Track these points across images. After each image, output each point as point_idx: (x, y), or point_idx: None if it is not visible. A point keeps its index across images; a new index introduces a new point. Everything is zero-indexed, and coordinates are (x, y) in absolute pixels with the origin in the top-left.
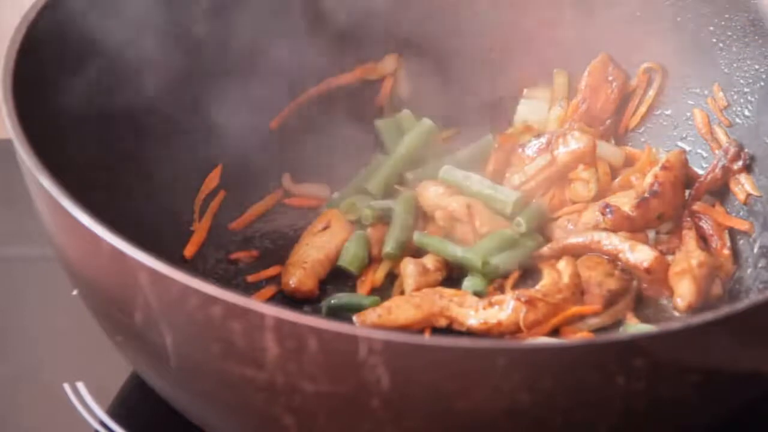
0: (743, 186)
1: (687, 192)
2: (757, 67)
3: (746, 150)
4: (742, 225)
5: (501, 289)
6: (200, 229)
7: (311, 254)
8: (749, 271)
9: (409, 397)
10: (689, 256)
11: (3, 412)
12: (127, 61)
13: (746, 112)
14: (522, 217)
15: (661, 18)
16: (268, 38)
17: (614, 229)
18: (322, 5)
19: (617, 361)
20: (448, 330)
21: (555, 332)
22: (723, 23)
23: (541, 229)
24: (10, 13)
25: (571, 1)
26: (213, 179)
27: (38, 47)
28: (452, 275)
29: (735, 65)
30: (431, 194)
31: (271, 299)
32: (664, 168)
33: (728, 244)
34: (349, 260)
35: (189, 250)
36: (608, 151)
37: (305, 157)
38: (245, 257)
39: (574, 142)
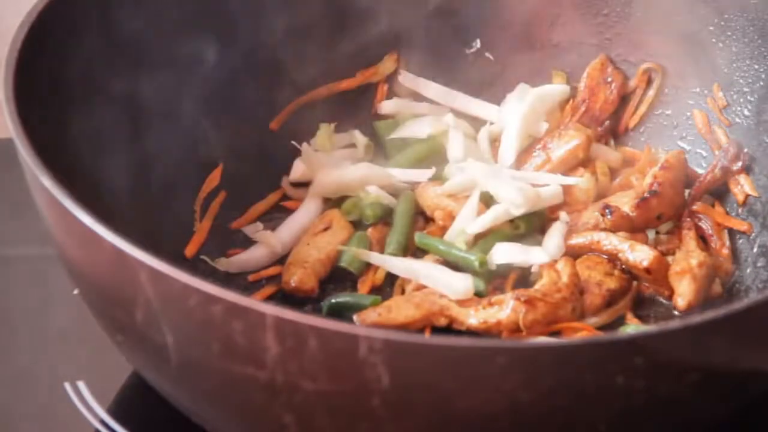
0: (742, 186)
1: (687, 192)
2: (757, 67)
3: (746, 150)
4: (741, 225)
5: (501, 289)
6: (201, 229)
7: (312, 254)
8: (749, 270)
9: (409, 396)
10: (689, 256)
11: (3, 412)
12: (127, 61)
13: (746, 112)
14: (522, 218)
15: (661, 18)
16: (269, 39)
17: (614, 229)
18: (323, 6)
19: (617, 361)
20: (448, 329)
21: (555, 332)
22: (723, 23)
23: (541, 229)
24: (12, 14)
25: (570, 1)
26: (213, 179)
27: (39, 48)
28: None
29: (735, 65)
30: (431, 194)
31: (272, 298)
32: (663, 168)
33: (728, 243)
34: (349, 260)
35: (190, 250)
36: (606, 154)
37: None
38: None
39: (568, 138)
